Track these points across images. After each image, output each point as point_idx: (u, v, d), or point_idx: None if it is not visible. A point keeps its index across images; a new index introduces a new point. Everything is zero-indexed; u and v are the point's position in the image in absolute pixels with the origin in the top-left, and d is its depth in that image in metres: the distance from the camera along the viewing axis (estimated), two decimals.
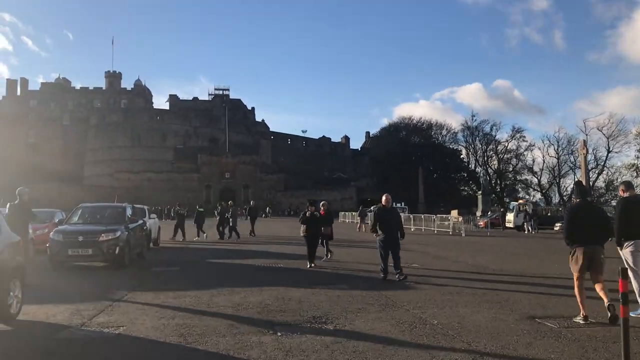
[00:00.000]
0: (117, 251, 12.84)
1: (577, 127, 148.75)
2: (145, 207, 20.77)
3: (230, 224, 24.66)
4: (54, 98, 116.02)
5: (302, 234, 13.74)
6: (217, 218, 25.35)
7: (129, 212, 14.94)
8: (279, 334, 6.53)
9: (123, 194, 76.47)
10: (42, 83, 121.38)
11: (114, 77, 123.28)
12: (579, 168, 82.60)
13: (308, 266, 13.25)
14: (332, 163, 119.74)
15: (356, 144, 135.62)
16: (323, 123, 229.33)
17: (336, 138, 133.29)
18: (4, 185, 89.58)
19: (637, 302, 7.18)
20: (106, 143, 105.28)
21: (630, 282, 7.05)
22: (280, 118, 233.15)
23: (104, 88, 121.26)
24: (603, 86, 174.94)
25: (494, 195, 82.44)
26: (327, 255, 14.96)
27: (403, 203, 68.46)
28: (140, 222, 15.86)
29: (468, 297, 9.27)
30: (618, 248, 7.57)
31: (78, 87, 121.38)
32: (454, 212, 58.08)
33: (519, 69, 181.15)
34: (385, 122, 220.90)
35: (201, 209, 26.30)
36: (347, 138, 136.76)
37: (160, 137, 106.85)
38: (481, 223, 44.55)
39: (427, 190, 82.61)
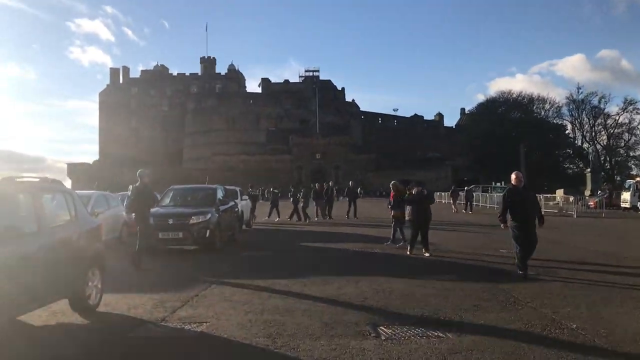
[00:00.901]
0: (207, 234, 12.37)
1: None
2: (238, 189, 20.40)
3: (302, 205, 24.55)
4: (153, 85, 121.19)
5: (406, 218, 12.13)
6: (292, 200, 25.06)
7: (220, 194, 14.45)
8: (383, 337, 5.49)
9: (217, 175, 79.20)
10: (141, 71, 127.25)
11: (208, 63, 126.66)
12: None
13: (408, 253, 11.97)
14: (425, 142, 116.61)
15: (450, 121, 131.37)
16: (415, 102, 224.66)
17: (429, 116, 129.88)
18: (112, 166, 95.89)
19: None
20: (203, 127, 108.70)
21: None
22: (370, 98, 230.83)
23: (199, 74, 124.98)
24: None
25: (603, 173, 76.31)
26: (401, 241, 13.42)
27: (503, 183, 65.20)
28: (232, 203, 15.36)
29: (605, 292, 7.77)
30: None
31: (175, 73, 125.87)
32: (560, 192, 54.29)
33: (627, 36, 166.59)
34: (480, 98, 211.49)
35: (276, 191, 26.99)
36: (440, 115, 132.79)
37: (253, 119, 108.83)
38: (591, 203, 41.02)
39: (529, 168, 77.90)
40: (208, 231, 12.37)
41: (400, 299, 7.35)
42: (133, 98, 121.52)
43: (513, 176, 9.72)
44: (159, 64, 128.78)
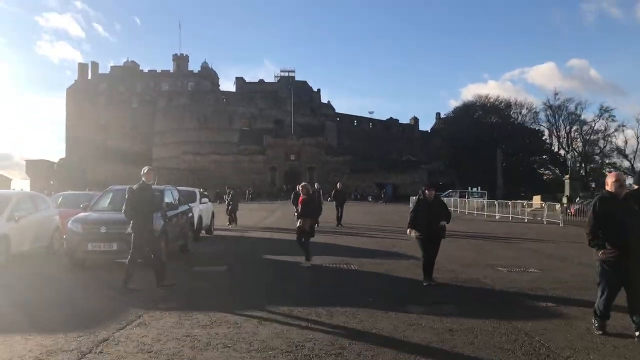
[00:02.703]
0: None
1: None
2: (197, 190, 18.12)
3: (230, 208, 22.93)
4: (123, 81, 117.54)
5: (414, 235, 8.83)
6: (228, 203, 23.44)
7: (169, 196, 12.19)
8: None
9: (189, 176, 76.56)
10: (111, 66, 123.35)
11: (181, 60, 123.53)
12: None
13: (425, 284, 8.73)
14: (400, 145, 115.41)
15: (425, 126, 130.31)
16: (390, 105, 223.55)
17: (404, 120, 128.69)
18: (78, 164, 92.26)
19: None
20: (173, 125, 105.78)
21: None
22: (346, 100, 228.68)
23: (171, 71, 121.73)
24: None
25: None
26: (308, 260, 10.84)
27: (479, 188, 64.08)
28: (185, 208, 13.13)
29: None
30: None
31: (146, 70, 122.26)
32: (536, 198, 53.15)
33: (596, 46, 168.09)
34: (452, 103, 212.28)
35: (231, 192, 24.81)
36: (416, 119, 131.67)
37: (226, 119, 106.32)
38: (571, 210, 39.71)
39: (505, 173, 77.11)
40: None
41: (390, 349, 5.26)
42: (102, 94, 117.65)
43: (612, 179, 6.01)
44: (129, 60, 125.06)
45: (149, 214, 8.60)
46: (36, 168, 63.00)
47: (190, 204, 14.54)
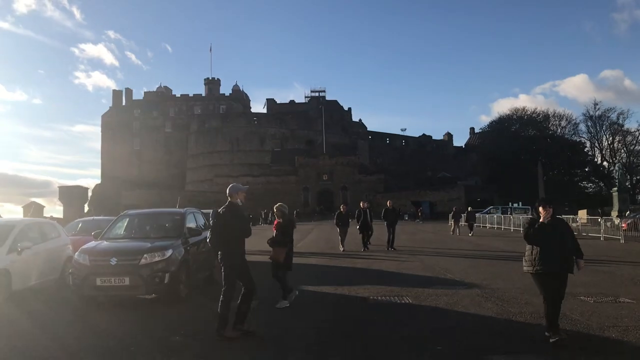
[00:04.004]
0: (166, 279, 8.69)
1: None
2: None
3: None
4: (156, 106, 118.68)
5: (529, 270, 6.28)
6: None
7: (191, 220, 10.77)
8: None
9: (221, 199, 75.33)
10: (144, 92, 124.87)
11: (212, 84, 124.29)
12: None
13: (552, 339, 6.00)
14: (434, 162, 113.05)
15: (458, 142, 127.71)
16: (422, 122, 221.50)
17: (437, 136, 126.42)
18: (112, 189, 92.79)
19: None
20: (206, 149, 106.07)
21: None
22: (377, 119, 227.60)
23: (203, 95, 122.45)
24: None
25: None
26: (286, 299, 8.92)
27: (520, 203, 61.47)
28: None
29: None
30: None
31: (178, 94, 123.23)
32: (582, 213, 50.44)
33: (629, 56, 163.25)
34: (484, 119, 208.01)
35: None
36: (449, 135, 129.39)
37: (258, 141, 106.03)
38: (624, 225, 37.06)
39: (546, 188, 73.96)
40: (167, 275, 8.68)
41: None
42: (136, 120, 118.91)
43: None
44: (162, 86, 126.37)
45: (240, 241, 7.00)
46: (69, 194, 62.94)
47: None
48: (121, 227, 10.52)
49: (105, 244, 9.42)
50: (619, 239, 24.64)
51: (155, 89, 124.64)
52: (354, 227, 20.53)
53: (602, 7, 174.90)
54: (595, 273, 12.26)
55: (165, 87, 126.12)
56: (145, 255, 8.72)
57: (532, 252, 6.25)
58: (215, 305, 7.80)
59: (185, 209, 10.92)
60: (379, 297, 9.19)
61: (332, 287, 10.26)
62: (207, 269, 10.86)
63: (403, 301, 8.79)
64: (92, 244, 9.47)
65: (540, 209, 6.30)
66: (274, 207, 9.52)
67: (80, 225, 15.67)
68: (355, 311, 8.29)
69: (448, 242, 25.35)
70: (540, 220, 6.23)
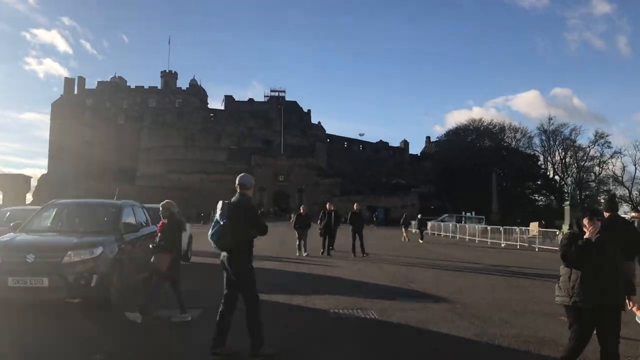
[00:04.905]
0: (93, 281, 7.40)
1: None
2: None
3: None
4: (109, 97, 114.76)
5: (564, 302, 5.00)
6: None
7: (129, 214, 9.44)
8: None
9: (173, 195, 73.37)
10: (98, 82, 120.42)
11: (169, 77, 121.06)
12: None
13: None
14: (390, 168, 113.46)
15: (413, 150, 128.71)
16: (379, 129, 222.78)
17: (394, 143, 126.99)
18: (59, 180, 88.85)
19: None
20: (159, 142, 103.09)
21: None
22: (336, 123, 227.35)
23: (159, 87, 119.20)
24: None
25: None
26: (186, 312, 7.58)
27: (474, 212, 61.88)
28: (152, 229, 10.39)
29: None
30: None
31: (133, 86, 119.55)
32: (534, 225, 50.99)
33: (579, 76, 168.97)
34: (438, 129, 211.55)
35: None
36: (406, 142, 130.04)
37: (214, 138, 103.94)
38: None
39: (499, 198, 74.94)
40: (95, 276, 7.39)
41: None
42: (87, 110, 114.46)
43: None
44: (116, 76, 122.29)
45: (251, 243, 5.92)
46: (10, 183, 59.52)
47: None
48: (47, 219, 9.11)
49: (22, 237, 8.03)
50: None
51: (109, 79, 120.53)
52: (313, 230, 19.47)
53: (554, 27, 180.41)
54: None
55: (120, 77, 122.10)
56: (69, 252, 7.40)
57: (569, 278, 4.83)
58: (155, 311, 6.63)
59: (123, 201, 9.57)
60: (341, 310, 8.13)
61: (286, 296, 9.14)
62: (145, 270, 9.56)
63: (368, 316, 7.75)
64: (7, 236, 8.06)
65: (586, 221, 4.85)
66: (160, 205, 7.98)
67: (8, 214, 14.01)
68: (314, 327, 7.19)
69: (405, 248, 24.69)
70: (586, 236, 4.78)
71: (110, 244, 7.95)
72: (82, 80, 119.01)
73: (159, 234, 7.64)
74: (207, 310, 8.02)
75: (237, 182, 5.98)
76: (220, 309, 5.73)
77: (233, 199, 5.90)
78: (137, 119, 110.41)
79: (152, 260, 7.45)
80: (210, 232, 5.81)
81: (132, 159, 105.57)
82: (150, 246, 7.46)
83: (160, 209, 7.84)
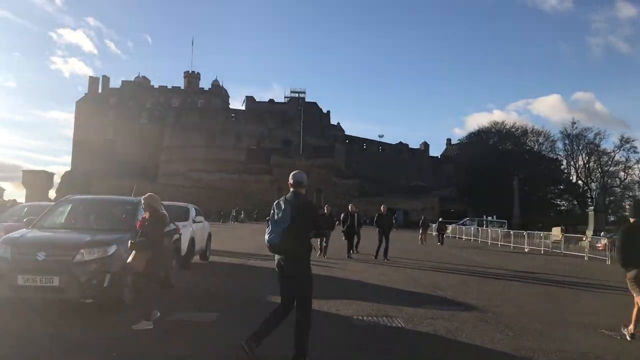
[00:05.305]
0: (106, 282, 7.07)
1: None
2: (192, 207, 15.00)
3: None
4: (133, 96, 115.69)
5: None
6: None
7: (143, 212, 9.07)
8: None
9: (194, 193, 73.57)
10: (122, 81, 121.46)
11: (192, 77, 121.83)
12: None
13: None
14: (410, 170, 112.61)
15: (433, 152, 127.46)
16: (399, 130, 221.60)
17: (414, 145, 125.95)
18: (82, 177, 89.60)
19: None
20: (181, 142, 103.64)
21: None
22: (356, 125, 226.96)
23: (182, 87, 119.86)
24: None
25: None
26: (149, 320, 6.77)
27: (495, 217, 60.91)
28: (169, 227, 10.04)
29: None
30: None
31: (157, 86, 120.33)
32: (556, 230, 49.89)
33: (602, 80, 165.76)
34: (457, 132, 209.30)
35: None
36: (426, 144, 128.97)
37: (234, 137, 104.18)
38: (599, 245, 36.35)
39: (521, 203, 73.63)
40: (108, 276, 7.08)
41: None
42: (111, 108, 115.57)
43: None
44: (140, 76, 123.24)
45: (309, 242, 5.53)
46: (33, 179, 60.11)
47: (179, 223, 11.50)
48: (61, 215, 8.81)
49: (34, 233, 7.74)
50: (606, 260, 23.59)
51: (133, 79, 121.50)
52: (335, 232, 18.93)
53: (578, 30, 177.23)
54: (605, 299, 11.01)
55: (144, 77, 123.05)
56: (81, 251, 7.08)
57: None
58: (166, 313, 6.27)
59: (140, 198, 9.22)
60: (365, 317, 7.68)
61: None
62: (162, 270, 9.23)
63: (394, 324, 7.29)
64: (19, 232, 7.78)
65: None
66: (141, 198, 7.48)
67: (26, 209, 13.82)
68: (337, 335, 6.76)
69: (425, 252, 24.15)
70: None
71: (125, 243, 7.60)
72: (106, 79, 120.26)
73: (139, 231, 7.01)
74: (224, 314, 7.66)
75: (291, 180, 5.60)
76: (275, 310, 5.42)
77: (288, 197, 5.50)
78: (160, 118, 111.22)
79: (128, 259, 6.89)
80: (268, 234, 5.38)
81: (155, 157, 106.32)
82: (129, 243, 6.92)
83: (142, 203, 7.36)
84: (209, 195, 77.91)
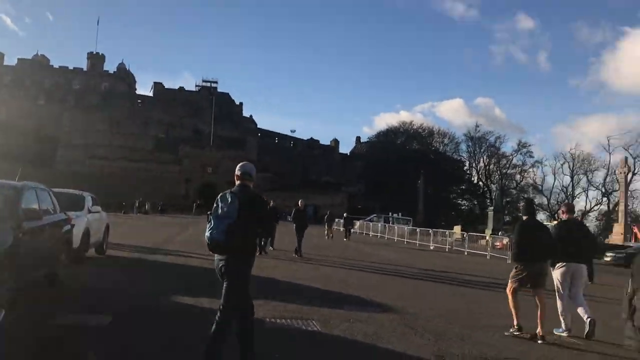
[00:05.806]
0: None
1: (600, 145, 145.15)
2: (88, 195, 13.67)
3: None
4: (30, 75, 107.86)
5: None
6: None
7: (31, 199, 7.93)
8: None
9: (93, 181, 69.49)
10: (18, 59, 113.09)
11: (96, 59, 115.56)
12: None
13: None
14: (320, 166, 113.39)
15: (343, 149, 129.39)
16: (310, 127, 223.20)
17: (325, 141, 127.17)
18: None
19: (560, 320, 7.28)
20: (82, 126, 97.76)
21: None
22: (268, 118, 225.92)
23: (84, 69, 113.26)
24: (583, 112, 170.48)
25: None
26: None
27: (401, 214, 62.58)
28: (58, 217, 8.90)
29: None
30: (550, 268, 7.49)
31: (57, 66, 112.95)
32: (457, 228, 51.91)
33: (501, 87, 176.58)
34: (366, 130, 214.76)
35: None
36: (336, 141, 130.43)
37: (141, 124, 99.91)
38: (498, 243, 38.10)
39: (425, 201, 76.26)
40: None
41: None
42: (5, 87, 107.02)
43: None
44: (39, 54, 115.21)
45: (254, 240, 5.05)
46: None
47: (71, 213, 10.32)
48: None
49: None
50: (506, 259, 24.50)
51: (31, 57, 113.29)
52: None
53: (482, 38, 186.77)
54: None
55: (43, 55, 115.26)
56: None
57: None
58: (48, 317, 5.35)
59: (24, 183, 8.04)
60: (278, 320, 7.07)
61: (209, 300, 7.89)
62: (46, 265, 8.14)
63: (310, 327, 6.73)
64: None
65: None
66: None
67: None
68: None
69: (334, 247, 24.06)
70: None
71: (4, 234, 6.51)
72: (0, 56, 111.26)
73: None
74: (118, 317, 6.77)
75: (239, 171, 5.02)
76: (213, 329, 4.72)
77: (235, 190, 4.86)
78: (59, 101, 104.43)
79: None
80: (209, 231, 4.69)
81: (52, 142, 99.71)
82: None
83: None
84: (111, 184, 74.03)
